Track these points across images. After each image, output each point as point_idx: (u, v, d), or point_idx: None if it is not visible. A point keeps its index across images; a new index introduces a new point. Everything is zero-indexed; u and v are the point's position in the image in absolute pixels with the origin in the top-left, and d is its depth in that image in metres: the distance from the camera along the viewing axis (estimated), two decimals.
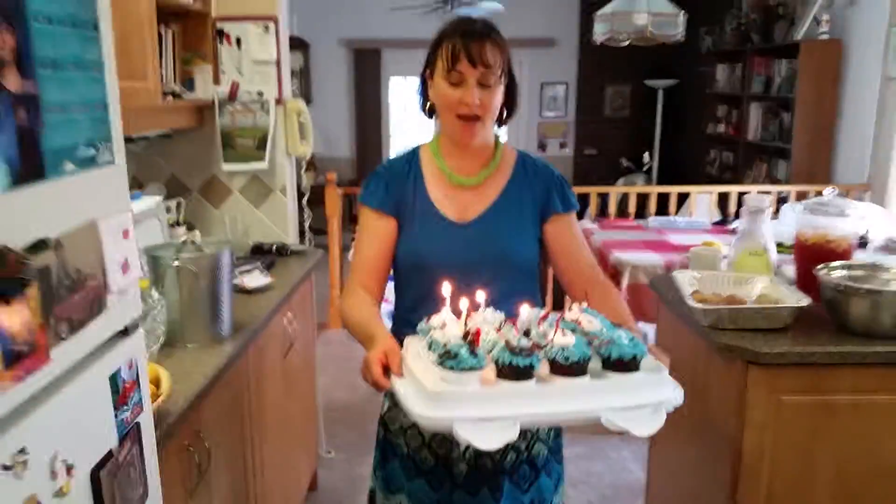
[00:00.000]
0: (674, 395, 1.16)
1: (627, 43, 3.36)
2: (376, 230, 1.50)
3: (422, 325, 1.26)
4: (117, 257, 0.92)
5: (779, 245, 2.11)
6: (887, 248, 2.73)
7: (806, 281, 1.89)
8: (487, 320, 1.23)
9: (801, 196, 4.36)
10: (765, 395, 1.66)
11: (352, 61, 7.89)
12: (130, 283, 0.97)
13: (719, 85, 6.39)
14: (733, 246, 2.02)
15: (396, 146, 8.63)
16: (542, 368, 1.15)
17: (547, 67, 7.80)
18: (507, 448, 1.42)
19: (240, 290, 2.08)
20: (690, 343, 1.91)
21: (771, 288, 1.85)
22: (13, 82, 0.72)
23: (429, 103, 1.51)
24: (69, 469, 0.80)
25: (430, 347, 1.17)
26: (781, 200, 4.50)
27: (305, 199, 2.97)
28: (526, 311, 1.26)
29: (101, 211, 0.89)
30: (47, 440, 0.79)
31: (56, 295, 0.78)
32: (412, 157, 1.56)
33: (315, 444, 2.79)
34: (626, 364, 1.16)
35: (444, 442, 1.45)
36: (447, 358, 1.11)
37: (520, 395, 1.11)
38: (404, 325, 1.39)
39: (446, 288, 1.25)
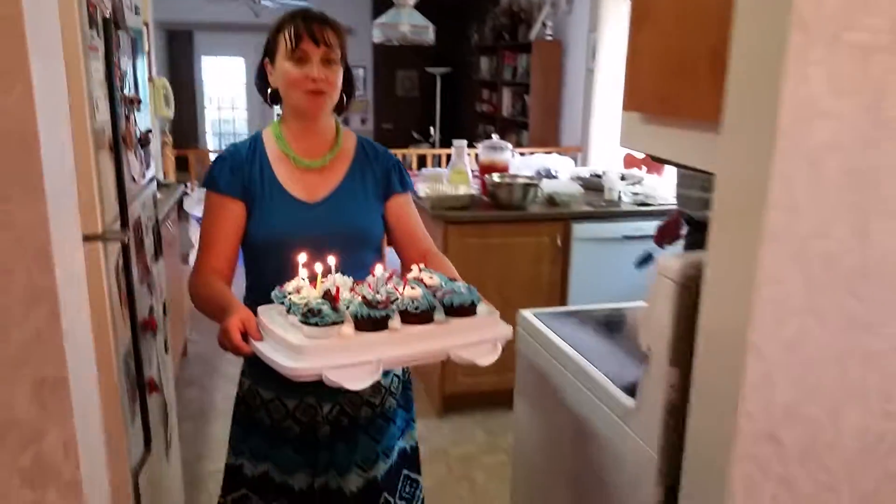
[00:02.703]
0: (506, 331, 1.35)
1: (399, 44, 4.85)
2: (223, 213, 1.53)
3: (276, 293, 1.34)
4: (154, 151, 2.26)
5: None
6: (570, 178, 4.48)
7: (483, 185, 3.55)
8: (339, 282, 1.33)
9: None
10: (458, 241, 3.25)
11: (165, 42, 8.76)
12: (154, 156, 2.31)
13: (482, 73, 7.83)
14: (448, 168, 3.64)
15: (211, 119, 9.63)
16: (395, 320, 1.26)
17: (347, 53, 9.10)
18: (362, 404, 1.59)
19: None
20: (427, 220, 3.34)
21: (467, 189, 3.47)
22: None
23: (270, 90, 1.57)
24: None
25: (289, 310, 1.26)
26: None
27: (168, 148, 4.21)
28: (379, 270, 1.37)
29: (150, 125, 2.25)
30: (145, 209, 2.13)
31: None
32: (254, 141, 1.60)
33: (185, 324, 4.07)
34: (466, 309, 1.32)
35: (308, 409, 1.56)
36: (311, 315, 1.20)
37: (379, 343, 1.23)
38: (260, 300, 1.39)
39: (302, 257, 1.33)
